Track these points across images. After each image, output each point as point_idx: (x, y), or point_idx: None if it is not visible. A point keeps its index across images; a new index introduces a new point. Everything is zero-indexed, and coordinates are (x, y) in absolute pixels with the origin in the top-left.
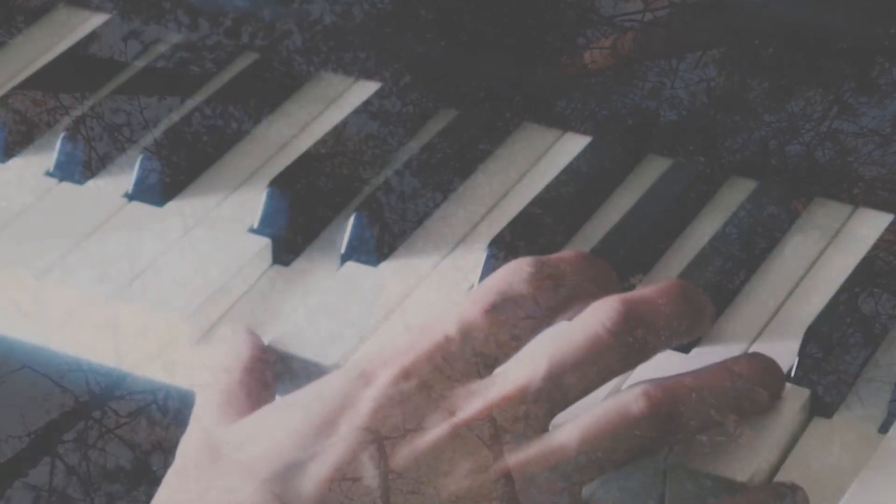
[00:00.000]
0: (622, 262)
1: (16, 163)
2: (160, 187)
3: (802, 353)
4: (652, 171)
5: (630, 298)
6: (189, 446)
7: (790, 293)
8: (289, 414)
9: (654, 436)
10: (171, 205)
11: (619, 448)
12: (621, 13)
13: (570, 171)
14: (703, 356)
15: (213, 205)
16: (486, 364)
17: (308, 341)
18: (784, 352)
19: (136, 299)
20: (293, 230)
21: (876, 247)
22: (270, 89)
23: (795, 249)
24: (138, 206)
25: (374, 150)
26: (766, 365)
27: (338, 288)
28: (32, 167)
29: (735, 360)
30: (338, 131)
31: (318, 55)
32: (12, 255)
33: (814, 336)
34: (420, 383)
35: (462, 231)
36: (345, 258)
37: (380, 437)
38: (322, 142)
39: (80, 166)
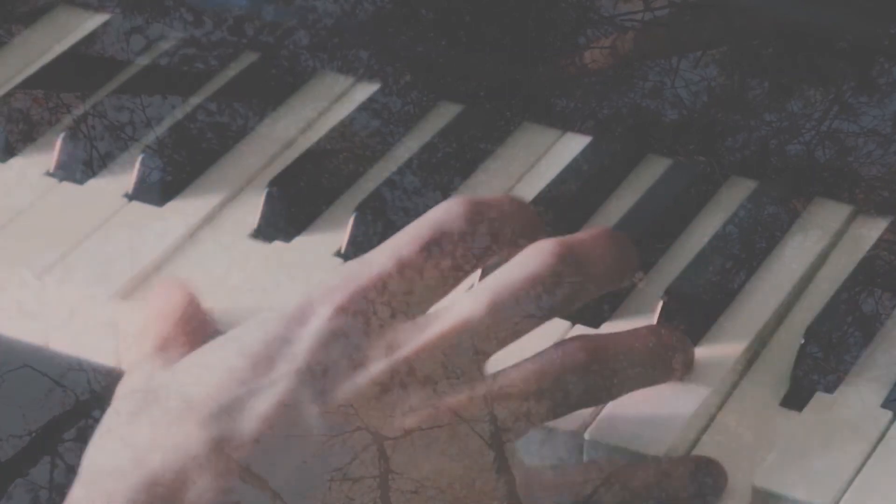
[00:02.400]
0: None
1: (16, 162)
2: (160, 187)
3: (802, 353)
4: (652, 171)
5: (566, 241)
6: (125, 389)
7: (790, 293)
8: (226, 352)
9: (582, 389)
10: (172, 205)
11: (552, 397)
12: (621, 13)
13: (570, 170)
14: (704, 356)
15: (214, 205)
16: (422, 302)
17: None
18: (784, 351)
19: (136, 298)
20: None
21: (876, 246)
22: (271, 89)
23: (795, 249)
24: (138, 206)
25: (375, 149)
26: (677, 336)
27: None
28: (32, 167)
29: (657, 328)
30: (338, 131)
31: (319, 54)
32: (13, 254)
33: (814, 336)
34: (357, 319)
35: None
36: (344, 257)
37: (318, 378)
38: (322, 141)
39: (80, 166)
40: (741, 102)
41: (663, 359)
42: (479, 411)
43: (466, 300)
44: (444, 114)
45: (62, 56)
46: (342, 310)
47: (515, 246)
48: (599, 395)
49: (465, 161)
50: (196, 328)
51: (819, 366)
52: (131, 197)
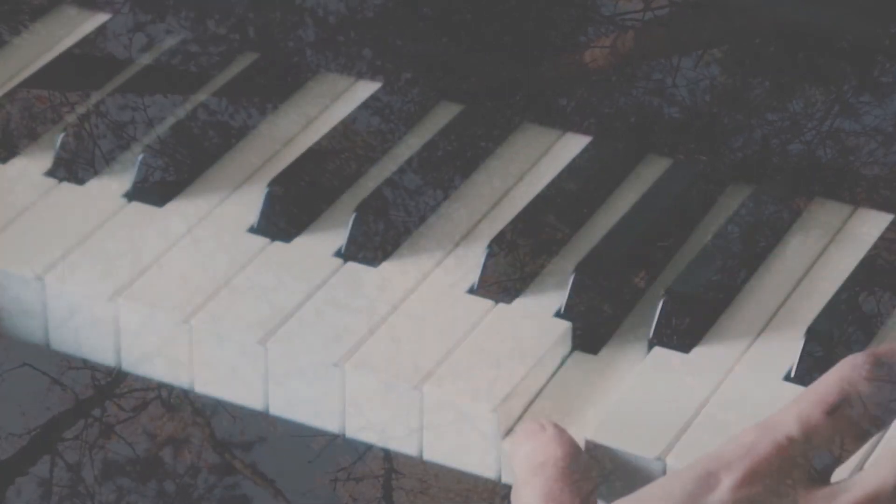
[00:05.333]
0: (623, 261)
1: (16, 163)
2: (160, 188)
3: (803, 352)
4: (652, 170)
5: None
6: None
7: (791, 292)
8: None
9: None
10: (171, 204)
11: None
12: (622, 12)
13: (570, 170)
14: (704, 355)
15: (214, 204)
16: (827, 468)
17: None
18: (785, 351)
19: (136, 298)
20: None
21: (877, 246)
22: (271, 88)
23: (796, 248)
24: (138, 206)
25: (375, 148)
26: None
27: (339, 287)
28: (33, 167)
29: None
30: (338, 131)
31: (320, 54)
32: (13, 254)
33: (815, 335)
34: (765, 488)
35: (463, 230)
36: (345, 258)
37: None
38: (322, 141)
39: (80, 166)
40: (742, 102)
41: None
42: None
43: (875, 470)
44: (445, 113)
45: (63, 56)
46: (749, 477)
47: None
48: None
49: (466, 161)
50: (580, 480)
51: (820, 365)
52: (131, 197)
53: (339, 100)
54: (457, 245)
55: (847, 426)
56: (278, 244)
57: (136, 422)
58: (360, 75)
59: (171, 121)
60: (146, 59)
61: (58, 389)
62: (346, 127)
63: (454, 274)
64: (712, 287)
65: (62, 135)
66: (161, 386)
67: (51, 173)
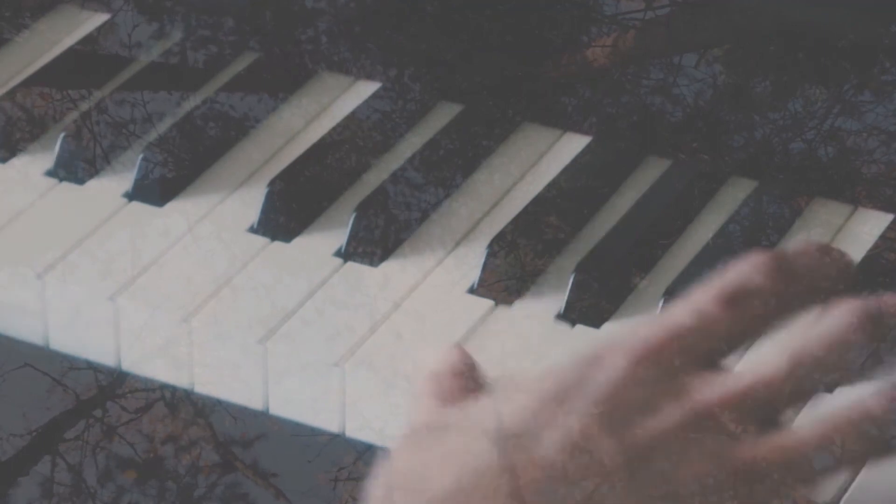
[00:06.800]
0: (623, 260)
1: (16, 162)
2: (160, 187)
3: None
4: (652, 170)
5: (872, 305)
6: (417, 417)
7: None
8: (519, 391)
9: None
10: (172, 204)
11: (858, 448)
12: (623, 11)
13: (570, 170)
14: None
15: (214, 204)
16: (719, 356)
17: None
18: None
19: (136, 298)
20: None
21: (877, 245)
22: (272, 88)
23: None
24: (138, 206)
25: (375, 148)
26: None
27: (339, 286)
28: (33, 167)
29: None
30: (338, 130)
31: (320, 53)
32: (13, 254)
33: None
34: (655, 371)
35: (463, 230)
36: (345, 257)
37: (613, 422)
38: (322, 140)
39: (80, 166)
40: (743, 101)
41: None
42: (771, 467)
43: (766, 360)
44: (445, 113)
45: (63, 55)
46: (640, 360)
47: (825, 298)
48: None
49: (466, 160)
50: (476, 388)
51: None
52: (131, 197)
53: (340, 99)
54: (457, 245)
55: (742, 318)
56: (278, 244)
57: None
58: (361, 75)
59: (171, 120)
60: (146, 59)
61: (59, 390)
62: (346, 126)
63: (454, 274)
64: None
65: (63, 134)
66: (162, 386)
67: (51, 173)
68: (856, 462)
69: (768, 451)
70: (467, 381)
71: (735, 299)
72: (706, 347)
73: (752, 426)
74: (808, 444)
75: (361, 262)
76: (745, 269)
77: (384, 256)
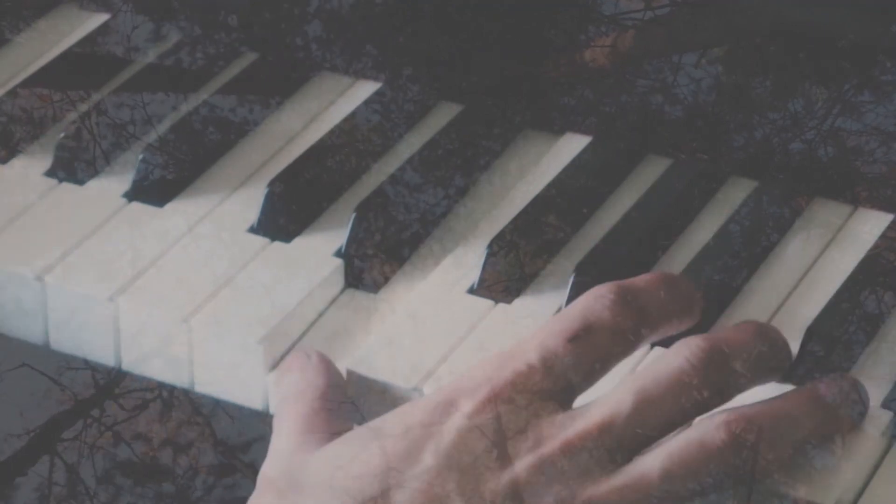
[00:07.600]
0: (623, 261)
1: (16, 163)
2: (160, 187)
3: (803, 351)
4: (652, 170)
5: (715, 337)
6: (270, 472)
7: (791, 292)
8: (371, 442)
9: (736, 465)
10: (171, 204)
11: (700, 480)
12: (622, 11)
13: (570, 170)
14: None
15: (214, 204)
16: (568, 394)
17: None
18: None
19: (136, 298)
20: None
21: (877, 245)
22: (271, 88)
23: (797, 248)
24: (138, 206)
25: (375, 148)
26: (849, 388)
27: (339, 287)
28: (32, 167)
29: (815, 384)
30: (338, 130)
31: (320, 53)
32: (13, 254)
33: (815, 335)
34: (502, 414)
35: (463, 230)
36: (344, 257)
37: (462, 473)
38: (322, 141)
39: (80, 166)
40: (742, 101)
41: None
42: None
43: (610, 397)
44: (445, 113)
45: (64, 55)
46: (484, 405)
47: (670, 327)
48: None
49: (466, 161)
50: (338, 404)
51: (820, 364)
52: (131, 197)
53: (340, 99)
54: (457, 245)
55: (588, 355)
56: (278, 244)
57: (136, 422)
58: (361, 75)
59: (171, 120)
60: (146, 59)
61: (57, 390)
62: (345, 127)
63: (454, 274)
64: (713, 286)
65: (62, 135)
66: (161, 386)
67: (51, 173)
68: (696, 496)
69: (616, 488)
70: (335, 402)
71: (579, 336)
72: (551, 386)
73: (600, 465)
74: (651, 479)
75: (361, 262)
76: (589, 304)
77: (383, 257)
